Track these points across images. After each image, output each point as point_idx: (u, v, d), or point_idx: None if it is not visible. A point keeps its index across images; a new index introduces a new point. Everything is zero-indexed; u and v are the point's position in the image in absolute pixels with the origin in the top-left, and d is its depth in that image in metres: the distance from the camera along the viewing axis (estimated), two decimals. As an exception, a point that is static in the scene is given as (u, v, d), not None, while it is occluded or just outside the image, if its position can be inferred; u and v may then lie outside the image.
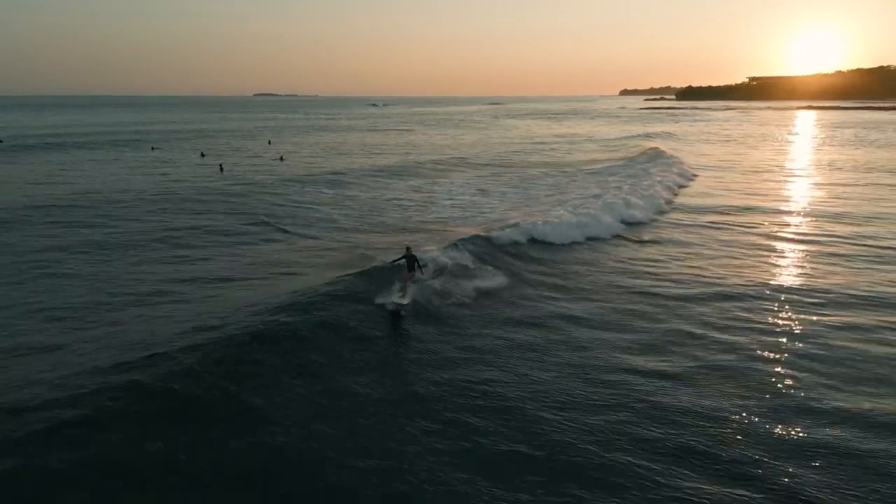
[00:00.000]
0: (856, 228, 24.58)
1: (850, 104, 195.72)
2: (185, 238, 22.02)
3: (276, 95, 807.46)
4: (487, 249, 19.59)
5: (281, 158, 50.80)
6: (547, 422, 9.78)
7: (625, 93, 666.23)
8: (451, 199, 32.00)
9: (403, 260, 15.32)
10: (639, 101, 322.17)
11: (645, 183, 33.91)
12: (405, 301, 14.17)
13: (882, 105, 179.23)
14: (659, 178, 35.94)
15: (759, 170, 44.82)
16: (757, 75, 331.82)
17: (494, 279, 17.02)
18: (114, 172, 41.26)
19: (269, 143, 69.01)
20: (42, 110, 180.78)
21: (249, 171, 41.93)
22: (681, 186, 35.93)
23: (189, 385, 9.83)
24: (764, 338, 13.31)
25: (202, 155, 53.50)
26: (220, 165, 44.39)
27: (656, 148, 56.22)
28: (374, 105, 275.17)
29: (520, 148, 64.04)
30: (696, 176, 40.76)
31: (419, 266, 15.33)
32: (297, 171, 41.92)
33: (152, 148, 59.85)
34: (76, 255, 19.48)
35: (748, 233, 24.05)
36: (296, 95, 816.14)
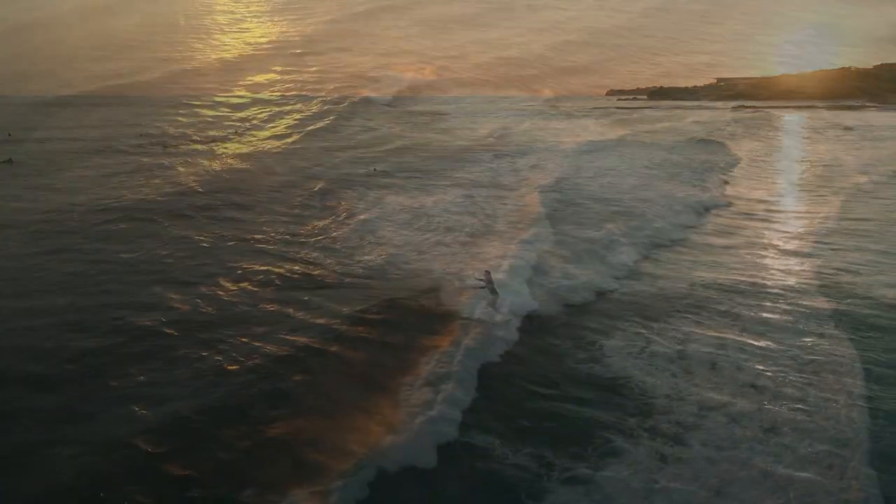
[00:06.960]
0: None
1: (794, 104, 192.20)
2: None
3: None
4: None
5: None
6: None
7: (612, 93, 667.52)
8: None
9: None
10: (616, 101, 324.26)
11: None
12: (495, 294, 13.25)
13: (818, 105, 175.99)
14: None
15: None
16: (725, 76, 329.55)
17: None
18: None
19: None
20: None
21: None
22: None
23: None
24: None
25: None
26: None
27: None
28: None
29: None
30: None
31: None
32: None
33: None
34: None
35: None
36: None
